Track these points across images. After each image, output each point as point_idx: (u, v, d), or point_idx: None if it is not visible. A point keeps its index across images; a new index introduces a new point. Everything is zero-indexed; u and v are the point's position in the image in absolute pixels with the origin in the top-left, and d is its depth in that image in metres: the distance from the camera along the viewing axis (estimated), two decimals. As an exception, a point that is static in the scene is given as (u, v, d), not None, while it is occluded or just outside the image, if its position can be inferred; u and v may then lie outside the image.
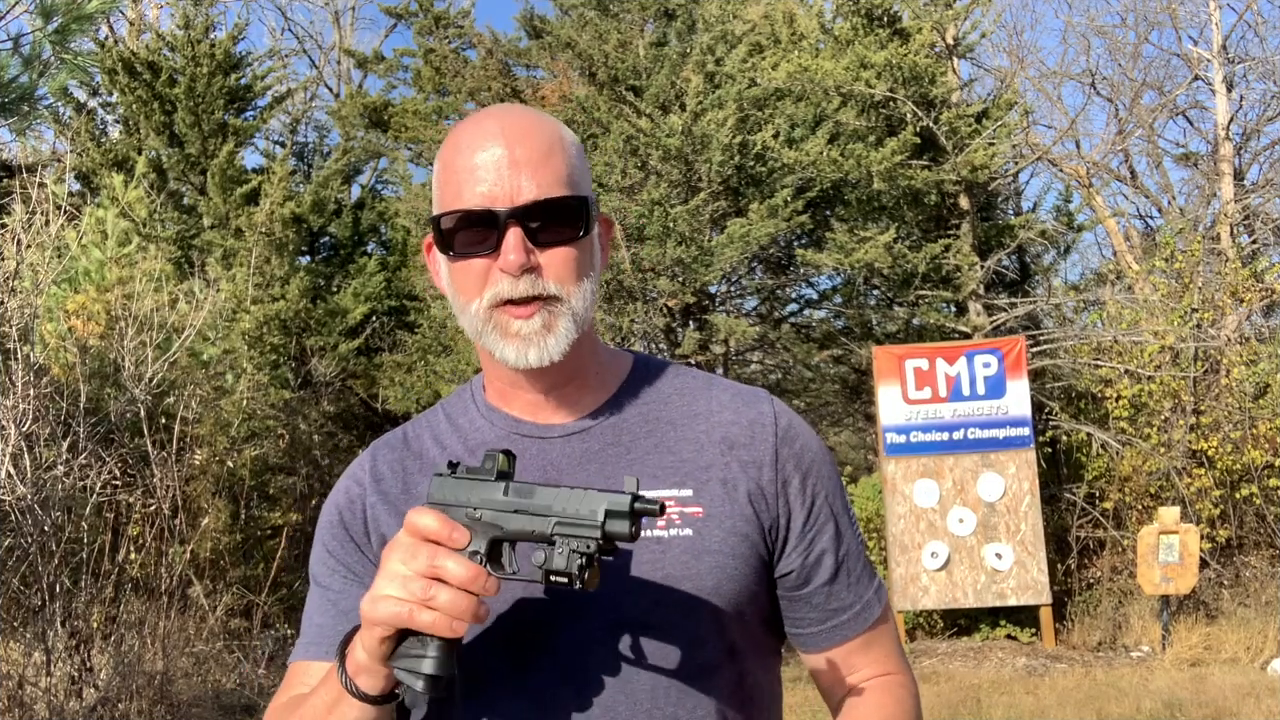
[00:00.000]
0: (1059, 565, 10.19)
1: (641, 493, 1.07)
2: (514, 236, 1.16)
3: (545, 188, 1.18)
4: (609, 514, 1.04)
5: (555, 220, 1.19)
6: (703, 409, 1.29)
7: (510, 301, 1.18)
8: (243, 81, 14.33)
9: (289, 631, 7.65)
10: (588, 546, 1.04)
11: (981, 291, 11.43)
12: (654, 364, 1.35)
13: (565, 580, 1.04)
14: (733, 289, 12.67)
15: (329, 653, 1.24)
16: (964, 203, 11.52)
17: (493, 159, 1.18)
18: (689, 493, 1.23)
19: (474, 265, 1.19)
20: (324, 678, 1.16)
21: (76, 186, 13.31)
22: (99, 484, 6.32)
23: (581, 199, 1.21)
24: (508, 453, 1.11)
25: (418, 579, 1.03)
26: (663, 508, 1.04)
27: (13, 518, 5.76)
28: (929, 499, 9.02)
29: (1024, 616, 9.24)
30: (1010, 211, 13.68)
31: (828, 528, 1.28)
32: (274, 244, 11.89)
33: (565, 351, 1.20)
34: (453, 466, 1.13)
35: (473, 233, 1.19)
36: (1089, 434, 10.61)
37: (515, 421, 1.28)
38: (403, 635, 1.06)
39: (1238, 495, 10.07)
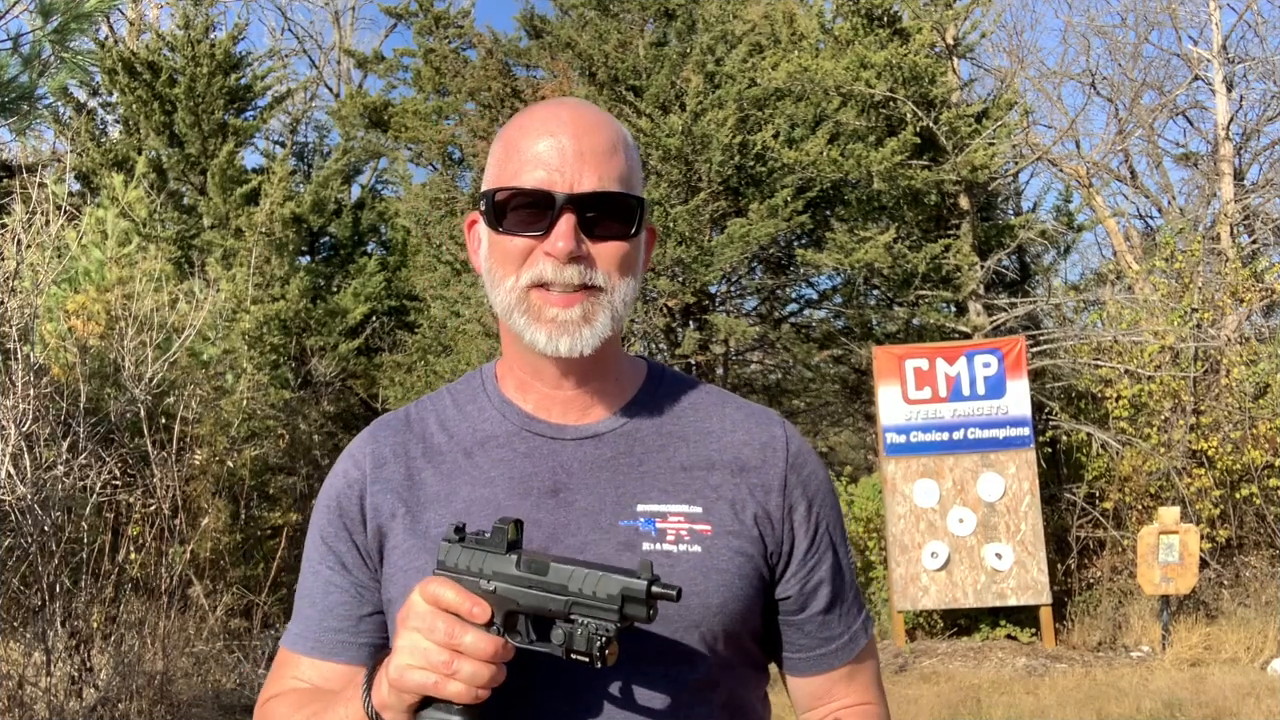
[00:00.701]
0: (1059, 565, 10.18)
1: (656, 574, 1.07)
2: (566, 223, 1.17)
3: (605, 182, 1.19)
4: (626, 598, 1.05)
5: (610, 214, 1.20)
6: (715, 427, 1.29)
7: (550, 286, 1.18)
8: (243, 81, 14.34)
9: (289, 631, 7.62)
10: (607, 630, 1.05)
11: (981, 291, 11.42)
12: (668, 374, 1.35)
13: (586, 660, 1.06)
14: (733, 289, 12.68)
15: (314, 649, 1.28)
16: (964, 203, 11.51)
17: (558, 145, 1.19)
18: (699, 509, 1.23)
19: (517, 242, 1.19)
20: (342, 695, 1.17)
21: (76, 186, 13.32)
22: (99, 484, 6.31)
23: (639, 199, 1.22)
24: (517, 522, 1.12)
25: (439, 650, 1.05)
26: (679, 593, 1.05)
27: (13, 518, 5.76)
28: (929, 499, 9.01)
29: (1024, 616, 9.23)
30: (1010, 211, 13.68)
31: (828, 557, 1.29)
32: (274, 244, 11.89)
33: (597, 346, 1.20)
34: (459, 532, 1.12)
35: (526, 212, 1.19)
36: (1089, 434, 10.60)
37: (528, 418, 1.27)
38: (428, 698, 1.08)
39: (1238, 495, 10.06)
